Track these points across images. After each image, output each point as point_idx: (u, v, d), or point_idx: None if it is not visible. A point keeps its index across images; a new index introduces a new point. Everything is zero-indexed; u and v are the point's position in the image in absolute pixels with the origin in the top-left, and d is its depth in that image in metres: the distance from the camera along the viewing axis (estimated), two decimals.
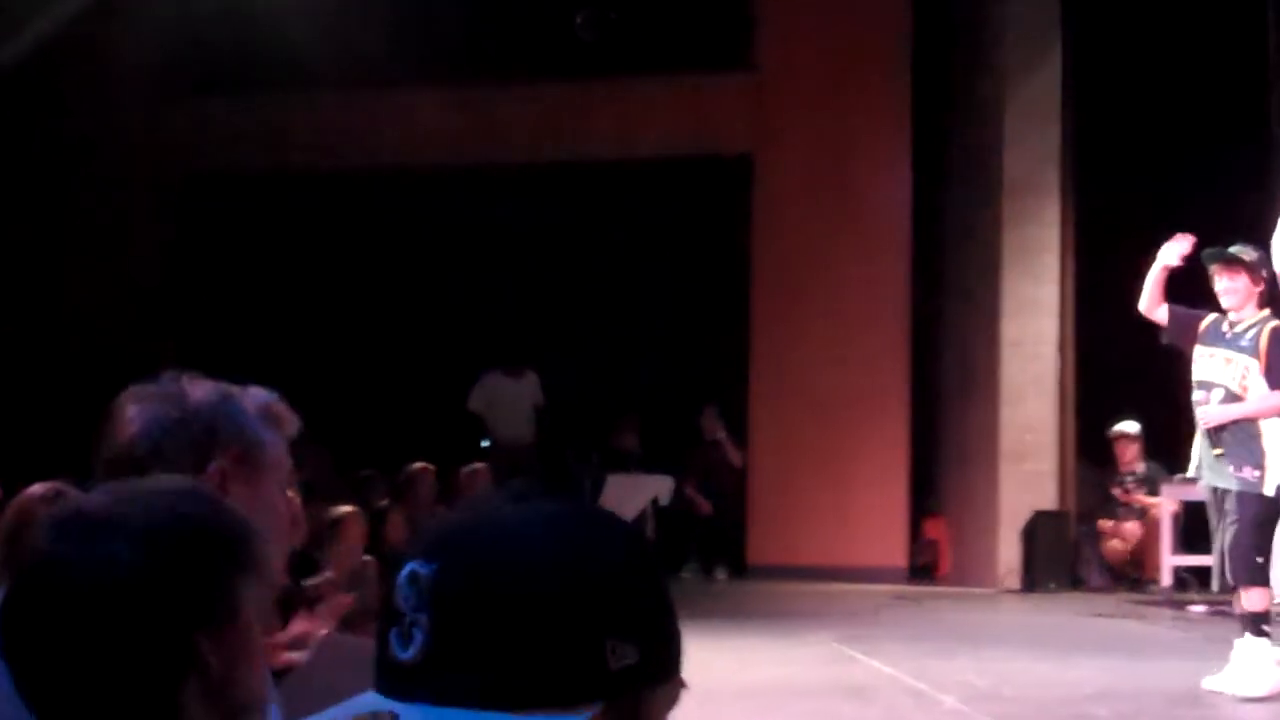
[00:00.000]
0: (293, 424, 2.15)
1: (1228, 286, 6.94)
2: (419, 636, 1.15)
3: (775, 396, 13.36)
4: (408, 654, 1.16)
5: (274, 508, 2.05)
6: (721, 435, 13.51)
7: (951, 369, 13.68)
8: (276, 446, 2.11)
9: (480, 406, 13.31)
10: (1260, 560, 6.72)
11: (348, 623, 5.65)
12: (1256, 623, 6.69)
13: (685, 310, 13.82)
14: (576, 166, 13.94)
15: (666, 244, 13.83)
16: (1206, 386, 6.87)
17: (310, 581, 6.03)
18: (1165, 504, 11.05)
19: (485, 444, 13.25)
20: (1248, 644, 6.66)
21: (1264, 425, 6.86)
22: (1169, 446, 11.40)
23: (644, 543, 1.27)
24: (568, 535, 1.18)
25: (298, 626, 5.30)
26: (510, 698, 1.12)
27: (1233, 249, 6.97)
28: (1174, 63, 12.88)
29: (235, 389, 2.11)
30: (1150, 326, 12.73)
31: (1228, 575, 6.77)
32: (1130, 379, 12.15)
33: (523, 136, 13.93)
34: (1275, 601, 6.80)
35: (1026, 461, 12.36)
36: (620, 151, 13.89)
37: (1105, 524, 12.24)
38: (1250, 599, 6.70)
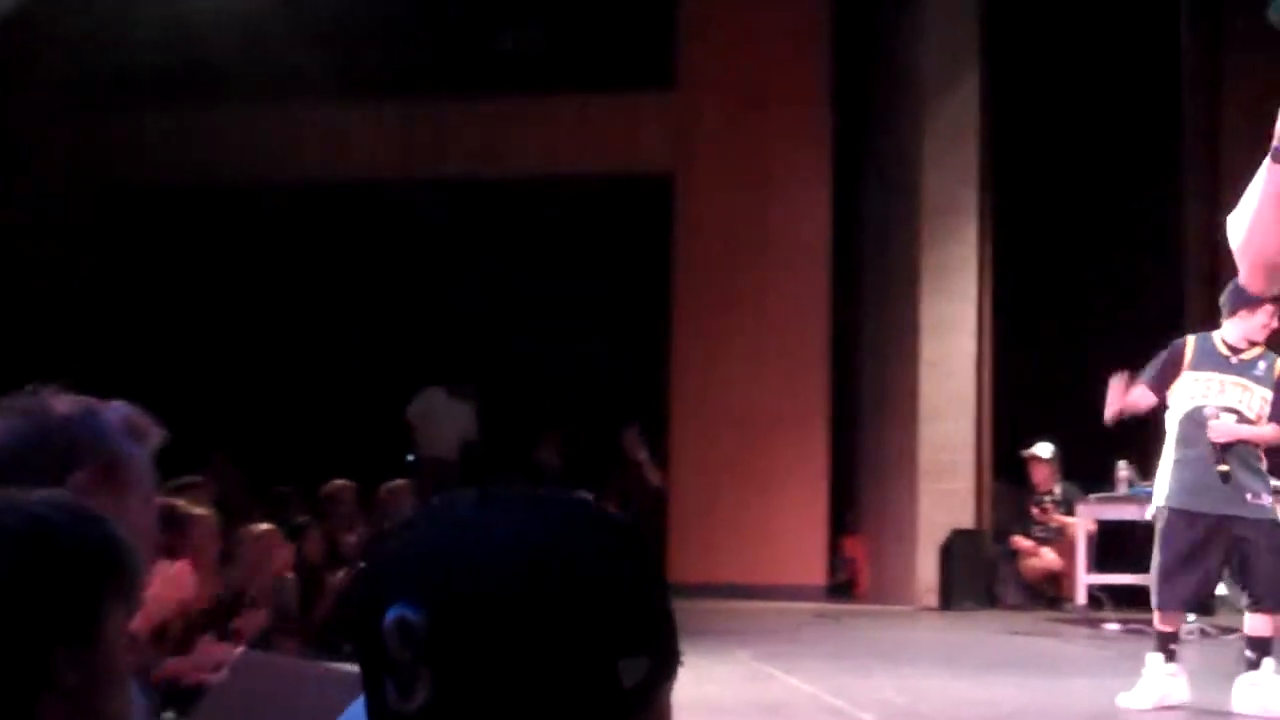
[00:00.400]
0: (156, 436, 2.11)
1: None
2: (422, 689, 1.08)
3: (697, 415, 13.39)
4: (411, 705, 1.09)
5: (137, 522, 2.01)
6: (642, 456, 13.50)
7: (871, 388, 13.77)
8: (139, 460, 2.08)
9: (415, 419, 13.29)
10: None
11: (265, 640, 5.59)
12: None
13: (607, 327, 13.82)
14: (499, 184, 13.92)
15: (589, 262, 13.83)
16: (1202, 410, 6.84)
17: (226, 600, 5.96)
18: (1081, 523, 11.16)
19: (410, 458, 13.20)
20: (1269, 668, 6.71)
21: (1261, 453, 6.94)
22: (1085, 466, 11.54)
23: (635, 532, 1.17)
24: (563, 549, 1.11)
25: (211, 647, 5.23)
26: None
27: None
28: (1091, 84, 13.06)
29: (97, 402, 2.09)
30: (1068, 345, 12.94)
31: (1251, 600, 6.78)
32: (1048, 399, 12.29)
33: (445, 153, 13.90)
34: (1188, 622, 6.86)
35: (944, 480, 12.46)
36: (543, 169, 13.90)
37: (1022, 543, 12.35)
38: None
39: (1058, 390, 12.36)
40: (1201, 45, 13.23)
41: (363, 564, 1.18)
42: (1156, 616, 6.90)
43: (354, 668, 1.14)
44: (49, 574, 1.42)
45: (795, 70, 13.55)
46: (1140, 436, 11.57)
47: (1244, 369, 6.79)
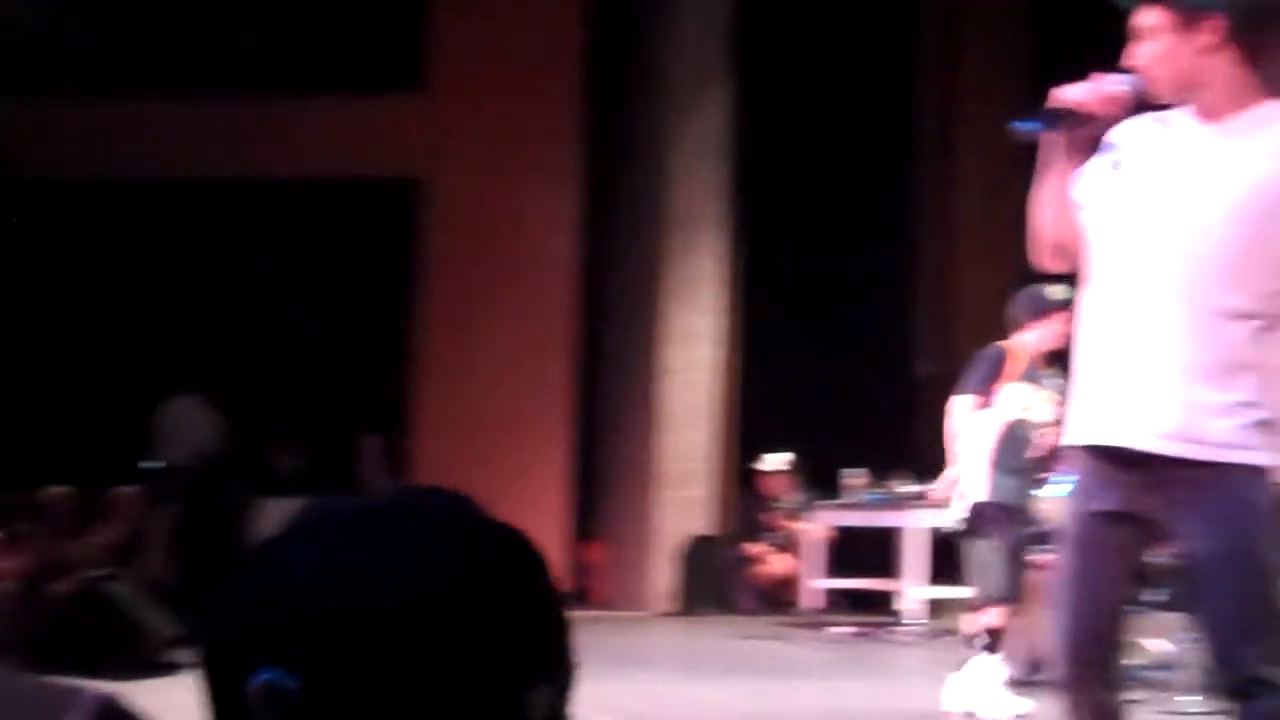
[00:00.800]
0: None
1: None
2: None
3: (440, 422, 13.28)
4: None
5: None
6: (379, 465, 13.35)
7: (614, 395, 13.86)
8: None
9: (157, 425, 12.91)
10: None
11: None
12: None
13: (353, 333, 13.63)
14: (246, 185, 13.60)
15: (335, 266, 13.61)
16: (1025, 422, 6.97)
17: None
18: (815, 529, 11.41)
19: (148, 465, 12.82)
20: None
21: None
22: (821, 474, 11.83)
23: (521, 541, 1.05)
24: (449, 582, 0.97)
25: None
26: None
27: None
28: (837, 102, 13.41)
29: None
30: (808, 356, 13.21)
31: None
32: (787, 409, 12.56)
33: (191, 154, 13.52)
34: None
35: (684, 488, 12.61)
36: (290, 171, 13.62)
37: (754, 549, 12.58)
38: None
39: (797, 400, 12.64)
40: (939, 64, 13.69)
41: (216, 607, 1.01)
42: (994, 613, 6.88)
43: (73, 682, 1.01)
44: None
45: (547, 75, 13.55)
46: (874, 446, 11.93)
47: (1051, 382, 6.95)
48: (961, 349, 13.36)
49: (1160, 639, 7.12)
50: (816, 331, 13.13)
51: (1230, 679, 3.20)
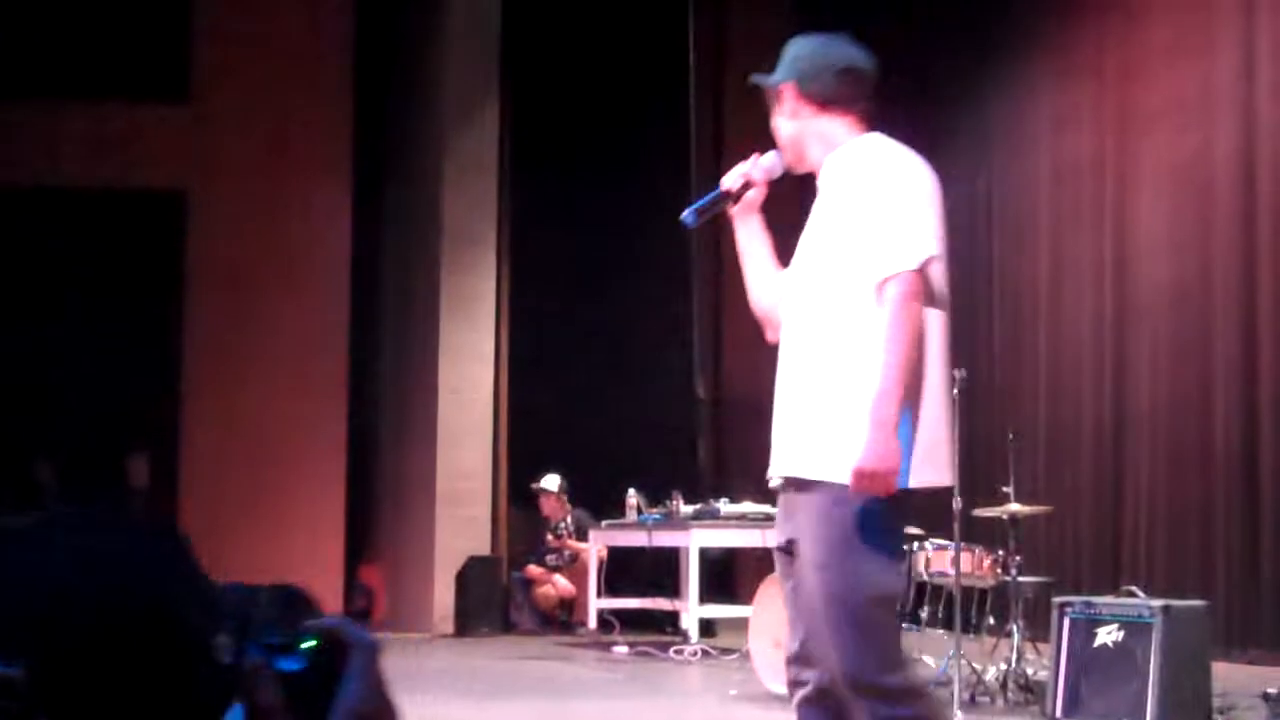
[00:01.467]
0: None
1: None
2: None
3: (209, 440, 12.92)
4: None
5: None
6: (144, 483, 12.92)
7: (390, 413, 13.66)
8: None
9: None
10: None
11: None
12: None
13: (116, 346, 13.16)
14: (6, 193, 13.05)
15: (98, 278, 13.14)
16: None
17: None
18: (593, 549, 11.37)
19: None
20: None
21: None
22: (597, 493, 11.77)
23: (171, 529, 1.21)
24: (125, 567, 1.14)
25: None
26: None
27: None
28: (606, 121, 13.43)
29: None
30: (583, 376, 13.18)
31: None
32: (560, 428, 12.51)
33: None
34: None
35: (462, 507, 12.48)
36: (50, 180, 13.12)
37: (534, 571, 12.50)
38: None
39: (578, 420, 12.60)
40: (709, 85, 13.80)
41: None
42: None
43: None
44: None
45: (316, 88, 13.34)
46: (653, 466, 11.94)
47: None
48: (736, 372, 13.57)
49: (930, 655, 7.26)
50: (596, 351, 13.12)
51: (833, 683, 3.38)
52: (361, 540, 13.33)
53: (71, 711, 1.09)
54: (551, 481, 12.51)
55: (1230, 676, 6.62)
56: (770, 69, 3.73)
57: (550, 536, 12.57)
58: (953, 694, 6.67)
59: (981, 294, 11.38)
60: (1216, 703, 6.36)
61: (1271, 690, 5.56)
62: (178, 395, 13.16)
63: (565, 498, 12.56)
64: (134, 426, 13.11)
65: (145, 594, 1.13)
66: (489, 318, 12.87)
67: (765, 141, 3.85)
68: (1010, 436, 7.54)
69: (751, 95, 3.93)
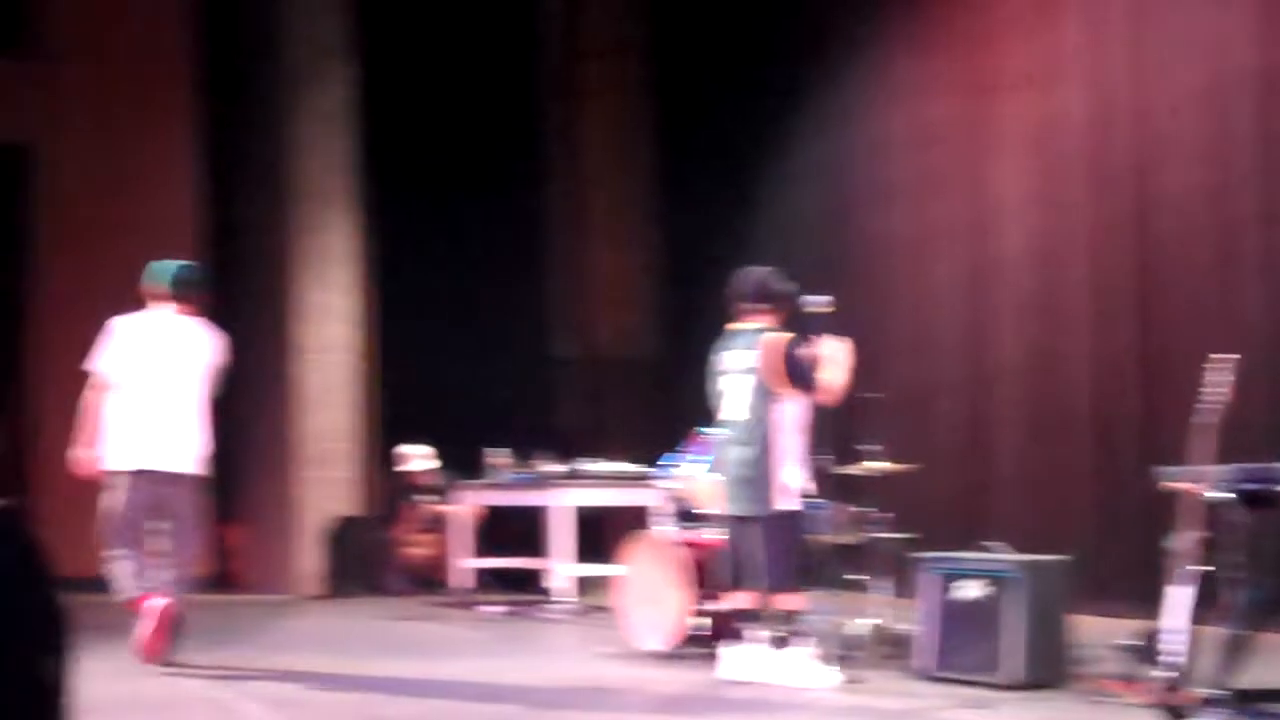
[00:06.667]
0: None
1: None
2: None
3: (59, 403, 12.64)
4: None
5: None
6: None
7: (247, 374, 13.44)
8: None
9: None
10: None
11: None
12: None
13: None
14: None
15: None
16: None
17: None
18: (462, 510, 11.36)
19: None
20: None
21: None
22: (463, 453, 11.75)
23: (18, 533, 1.16)
24: None
25: None
26: None
27: None
28: (461, 79, 13.35)
29: None
30: (448, 335, 13.12)
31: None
32: (429, 390, 12.45)
33: None
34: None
35: (327, 468, 12.38)
36: None
37: (404, 531, 12.44)
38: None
39: (440, 381, 12.55)
40: (562, 52, 13.77)
41: None
42: (792, 599, 6.85)
43: None
44: None
45: (161, 41, 13.12)
46: (516, 425, 11.96)
47: None
48: (598, 330, 13.59)
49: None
50: (455, 313, 13.07)
51: None
52: (224, 501, 13.14)
53: None
54: (418, 448, 12.47)
55: (1088, 629, 6.82)
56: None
57: (415, 497, 12.53)
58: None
59: (844, 255, 11.52)
60: (1075, 654, 6.54)
61: (1122, 640, 5.74)
62: (25, 353, 12.87)
63: (429, 458, 12.52)
64: None
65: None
66: (345, 278, 12.73)
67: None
68: (870, 396, 7.65)
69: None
